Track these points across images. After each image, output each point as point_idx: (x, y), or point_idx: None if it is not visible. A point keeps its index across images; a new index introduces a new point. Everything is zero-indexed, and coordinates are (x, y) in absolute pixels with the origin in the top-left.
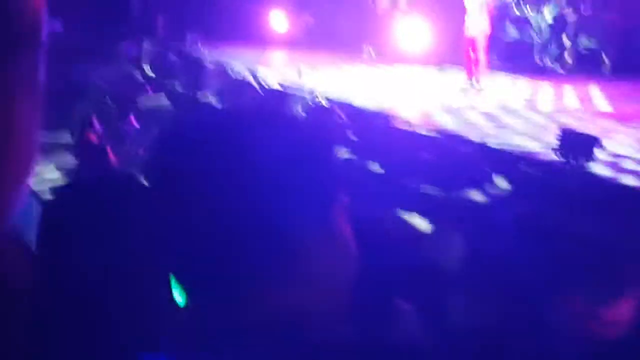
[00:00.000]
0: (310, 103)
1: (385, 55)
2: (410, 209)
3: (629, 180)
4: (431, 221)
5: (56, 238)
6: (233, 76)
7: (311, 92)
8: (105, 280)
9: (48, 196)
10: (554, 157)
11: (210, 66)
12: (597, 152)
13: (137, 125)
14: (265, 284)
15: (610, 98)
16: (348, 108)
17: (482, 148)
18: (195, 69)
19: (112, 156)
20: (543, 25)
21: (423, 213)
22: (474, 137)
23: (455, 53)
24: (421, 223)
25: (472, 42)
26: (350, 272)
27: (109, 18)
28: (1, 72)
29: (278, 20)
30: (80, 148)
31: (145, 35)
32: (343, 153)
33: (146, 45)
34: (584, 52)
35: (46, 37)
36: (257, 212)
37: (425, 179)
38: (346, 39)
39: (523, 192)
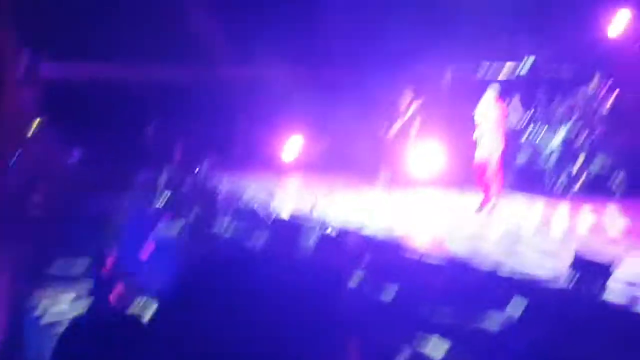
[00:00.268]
0: (323, 235)
1: (402, 179)
2: (422, 336)
3: None
4: (444, 349)
5: None
6: (247, 208)
7: (324, 225)
8: None
9: (62, 327)
10: (566, 284)
11: (224, 196)
12: (610, 279)
13: (152, 257)
14: None
15: (623, 221)
16: (361, 236)
17: (494, 275)
18: (210, 199)
19: (126, 290)
20: (555, 147)
21: (436, 341)
22: (486, 264)
23: (473, 175)
24: (435, 351)
25: (485, 164)
26: None
27: (125, 146)
28: None
29: (295, 145)
30: (96, 280)
31: (162, 163)
32: (355, 281)
33: (162, 174)
34: (595, 174)
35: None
36: (270, 349)
37: (438, 306)
38: (363, 164)
39: (535, 319)
